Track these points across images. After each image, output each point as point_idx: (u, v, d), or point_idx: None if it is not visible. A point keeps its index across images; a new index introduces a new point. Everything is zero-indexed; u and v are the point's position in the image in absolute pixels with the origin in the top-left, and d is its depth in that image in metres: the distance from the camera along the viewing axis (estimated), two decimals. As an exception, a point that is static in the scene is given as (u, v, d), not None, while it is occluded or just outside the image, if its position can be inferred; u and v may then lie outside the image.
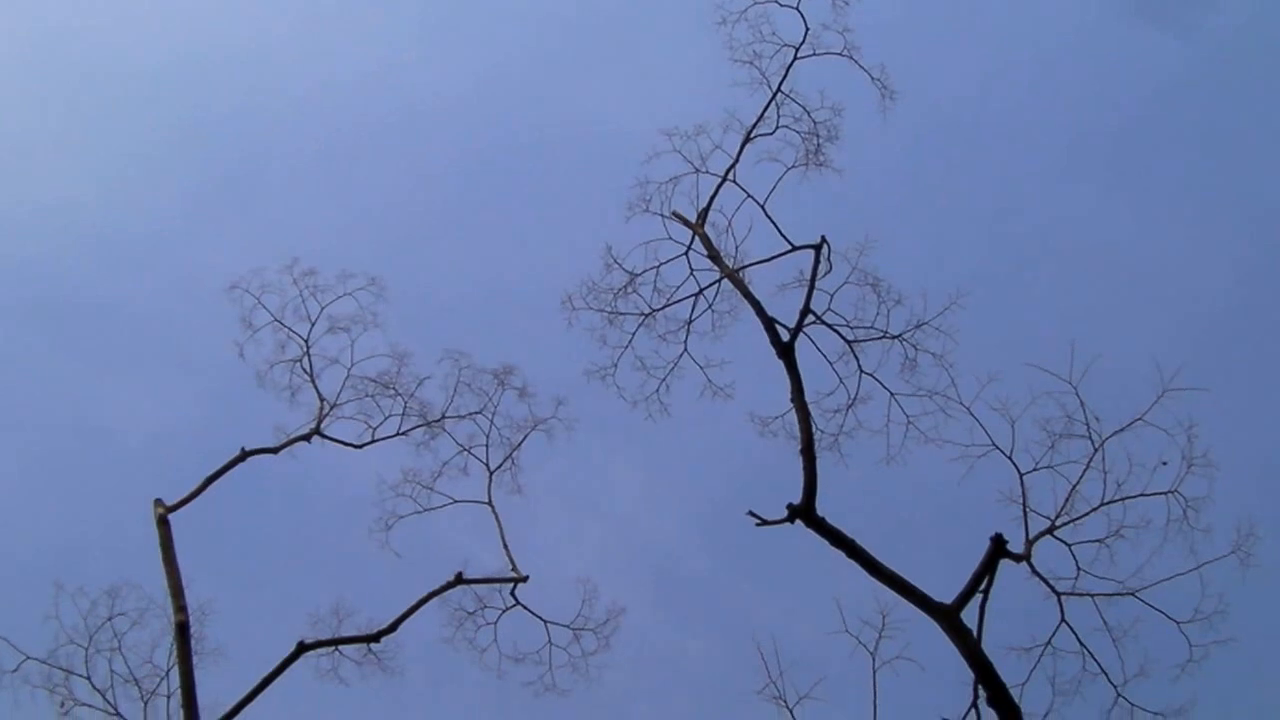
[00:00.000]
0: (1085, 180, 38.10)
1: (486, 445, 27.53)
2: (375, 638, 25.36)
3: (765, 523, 21.29)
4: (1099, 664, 22.12)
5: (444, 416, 27.62)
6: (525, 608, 26.38)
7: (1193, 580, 21.90)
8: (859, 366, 24.59)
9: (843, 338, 24.52)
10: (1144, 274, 35.93)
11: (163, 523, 24.65)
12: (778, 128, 25.35)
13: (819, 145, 25.30)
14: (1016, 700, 20.45)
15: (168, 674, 24.24)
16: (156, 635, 24.72)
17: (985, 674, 20.23)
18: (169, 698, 24.04)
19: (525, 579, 26.06)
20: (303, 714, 27.61)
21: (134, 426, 35.23)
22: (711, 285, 25.66)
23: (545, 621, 26.35)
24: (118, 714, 24.21)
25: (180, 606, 23.71)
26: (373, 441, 27.53)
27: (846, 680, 21.55)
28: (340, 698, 25.78)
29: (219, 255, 34.61)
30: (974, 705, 21.08)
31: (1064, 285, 34.92)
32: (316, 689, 25.58)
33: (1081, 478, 22.02)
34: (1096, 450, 21.97)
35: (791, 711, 21.25)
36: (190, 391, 35.12)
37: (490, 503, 27.03)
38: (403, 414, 27.59)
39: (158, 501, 24.97)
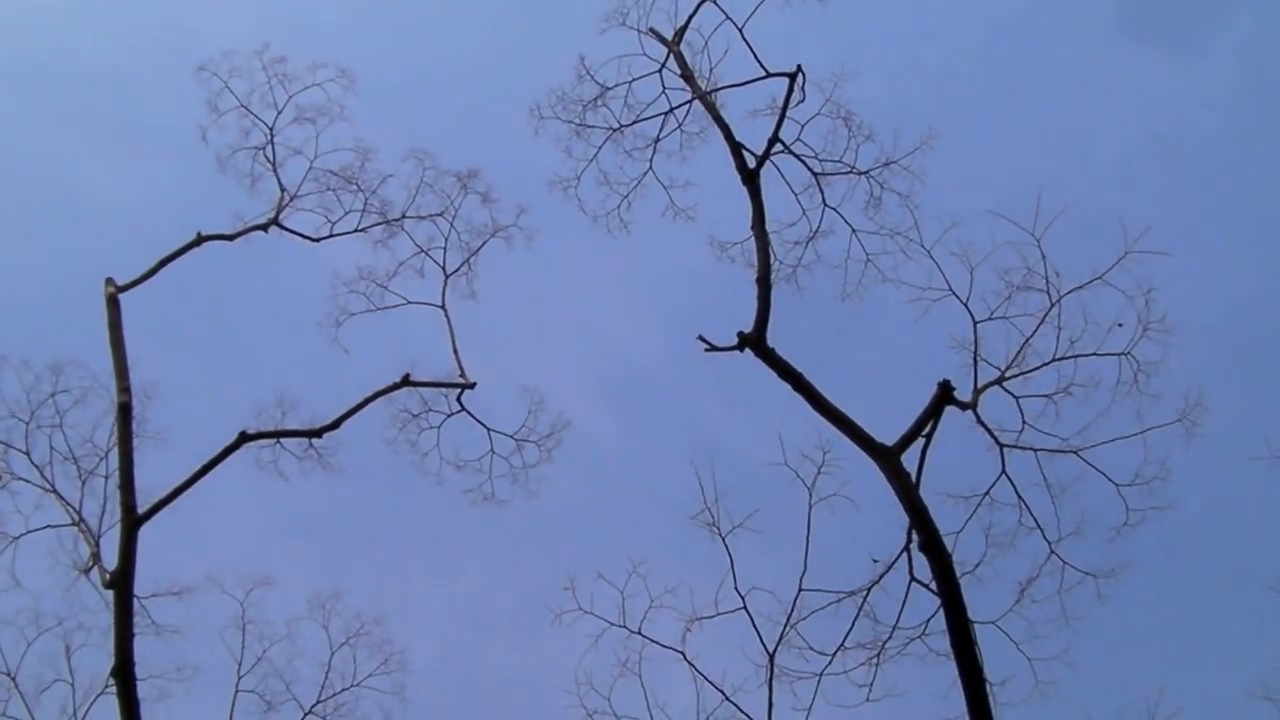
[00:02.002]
0: (1088, 27, 37.31)
1: (444, 248, 27.29)
2: (318, 433, 25.27)
3: (714, 348, 21.10)
4: (1035, 519, 22.19)
5: (404, 216, 27.27)
6: (470, 414, 26.39)
7: (1136, 444, 21.91)
8: (823, 200, 24.30)
9: (809, 169, 24.10)
10: (1129, 129, 35.42)
11: (112, 302, 24.46)
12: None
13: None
14: (949, 548, 20.40)
15: (107, 454, 24.13)
16: (98, 415, 24.63)
17: (920, 519, 20.20)
18: (107, 478, 23.95)
19: (472, 385, 26.00)
20: (241, 505, 27.73)
21: (94, 194, 34.82)
22: (682, 105, 25.14)
23: (489, 430, 26.34)
24: (54, 491, 24.15)
25: (124, 388, 23.59)
26: (330, 236, 27.19)
27: (781, 513, 21.56)
28: (278, 492, 25.82)
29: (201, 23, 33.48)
30: (906, 549, 21.16)
31: (1041, 133, 34.45)
32: (255, 480, 25.60)
33: (1035, 331, 21.85)
34: (1053, 305, 21.78)
35: (724, 539, 21.25)
36: (155, 165, 34.51)
37: (444, 306, 26.85)
38: (363, 210, 27.24)
39: (109, 281, 24.76)
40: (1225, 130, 35.67)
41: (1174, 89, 36.51)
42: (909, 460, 20.77)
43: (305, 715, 25.06)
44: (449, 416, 26.29)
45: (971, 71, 34.04)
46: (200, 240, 25.85)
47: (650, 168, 25.30)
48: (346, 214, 27.16)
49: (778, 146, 23.30)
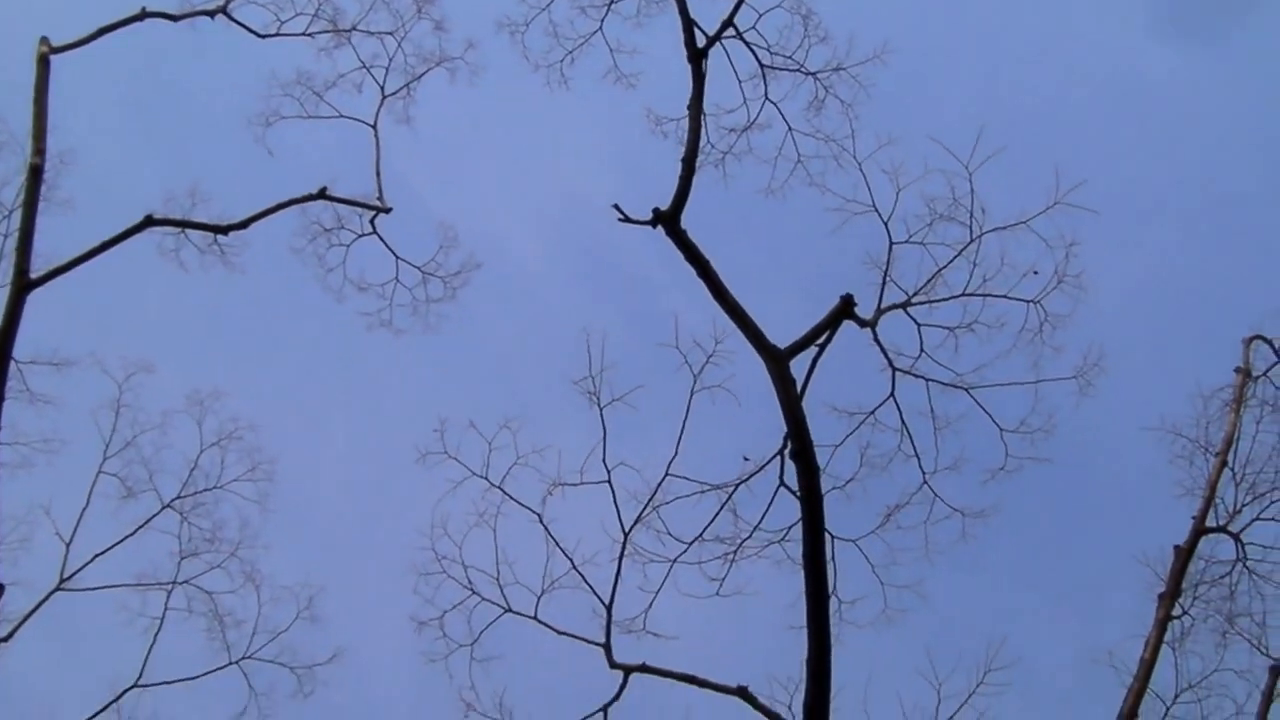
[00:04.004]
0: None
1: (387, 69, 26.81)
2: (225, 229, 24.96)
3: (627, 219, 20.75)
4: (915, 447, 22.15)
5: (353, 29, 26.67)
6: (381, 239, 26.17)
7: (1028, 393, 21.84)
8: (765, 93, 23.86)
9: (758, 60, 23.62)
10: (1092, 83, 35.11)
11: (43, 61, 23.92)
12: None
13: None
14: (820, 462, 20.29)
15: (10, 214, 23.67)
16: (8, 173, 24.09)
17: (796, 426, 20.04)
18: (5, 237, 23.59)
19: (388, 210, 25.79)
20: (136, 290, 27.41)
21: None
22: (644, -34, 24.42)
23: (396, 257, 26.09)
24: (-53, 237, 23.76)
25: (39, 150, 23.12)
26: (277, 35, 26.66)
27: (662, 395, 21.48)
28: (175, 283, 25.54)
29: None
30: (780, 454, 21.08)
31: (997, 73, 34.10)
32: (154, 267, 25.29)
33: (950, 263, 21.57)
34: (973, 241, 21.47)
35: (601, 410, 21.18)
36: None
37: (375, 126, 26.44)
38: (314, 15, 26.67)
39: (43, 39, 24.14)
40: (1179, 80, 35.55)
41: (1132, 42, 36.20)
42: (798, 367, 20.57)
43: (164, 507, 25.04)
44: (360, 237, 26.04)
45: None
46: (144, 15, 25.33)
47: (600, 28, 24.69)
48: (297, 15, 26.61)
49: (730, 31, 22.79)
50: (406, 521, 21.66)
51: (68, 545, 24.25)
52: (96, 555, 24.50)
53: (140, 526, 24.94)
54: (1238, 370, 25.41)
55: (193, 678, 24.66)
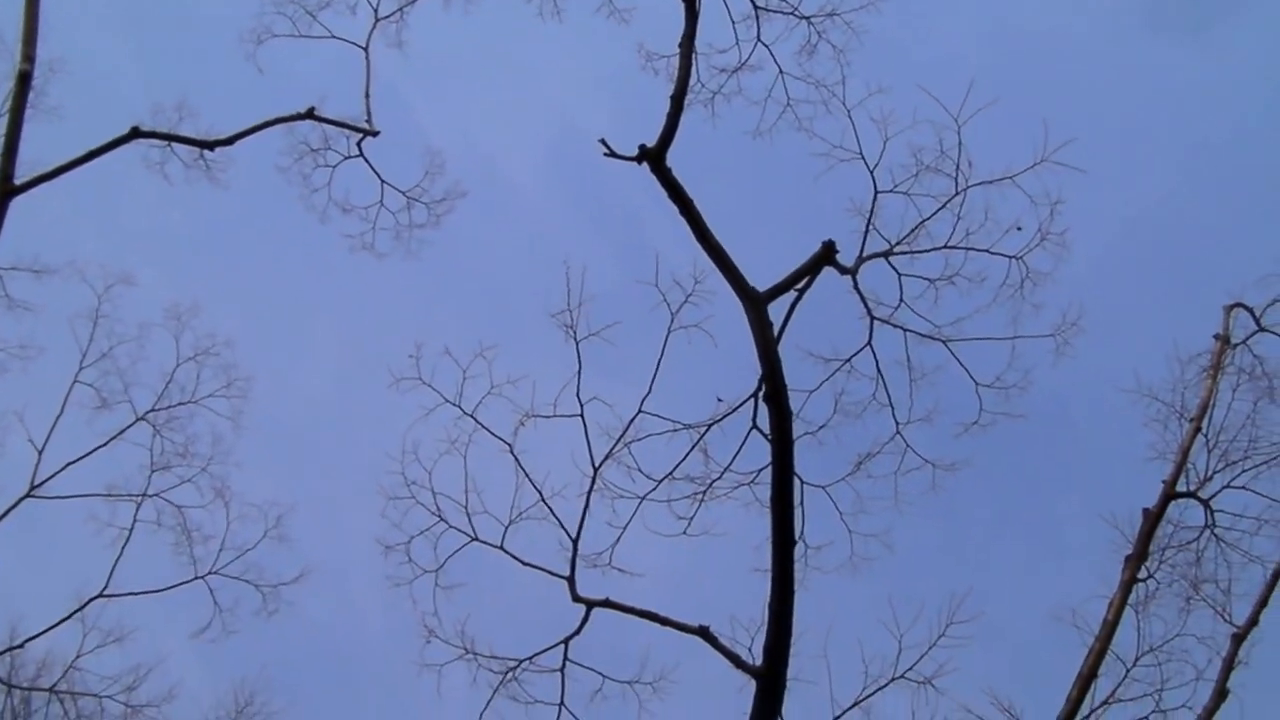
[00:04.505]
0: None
1: (381, -10, 26.47)
2: (211, 145, 24.82)
3: (613, 154, 20.60)
4: (889, 397, 22.20)
5: (348, -50, 26.45)
6: (367, 161, 26.06)
7: (1005, 349, 21.85)
8: (758, 34, 23.61)
9: (752, 1, 23.49)
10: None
11: (35, -32, 23.67)
12: None
13: None
14: (793, 407, 20.30)
15: (-4, 119, 23.55)
16: (-3, 76, 23.98)
17: (771, 370, 20.01)
18: (-9, 140, 23.44)
19: (376, 133, 25.71)
20: (120, 202, 27.31)
21: None
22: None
23: (382, 181, 25.96)
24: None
25: (28, 56, 22.97)
26: (272, -47, 26.40)
27: (640, 333, 21.41)
28: (159, 195, 25.45)
29: None
30: (753, 396, 21.08)
31: (993, 24, 33.91)
32: (139, 180, 25.21)
33: (933, 215, 21.48)
34: (958, 194, 21.37)
35: (578, 344, 21.10)
36: None
37: (366, 48, 26.21)
38: (310, -66, 26.36)
39: (36, -55, 23.92)
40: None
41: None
42: (776, 310, 20.55)
43: (137, 419, 25.05)
44: (346, 159, 25.88)
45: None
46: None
47: (599, -47, 24.45)
48: (297, -68, 26.27)
49: (724, -32, 22.68)
50: (378, 445, 21.59)
51: (40, 452, 24.34)
52: (68, 464, 24.59)
53: (113, 437, 25.00)
54: (1217, 337, 25.48)
55: (158, 590, 24.81)
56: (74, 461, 24.57)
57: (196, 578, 24.79)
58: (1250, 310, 25.61)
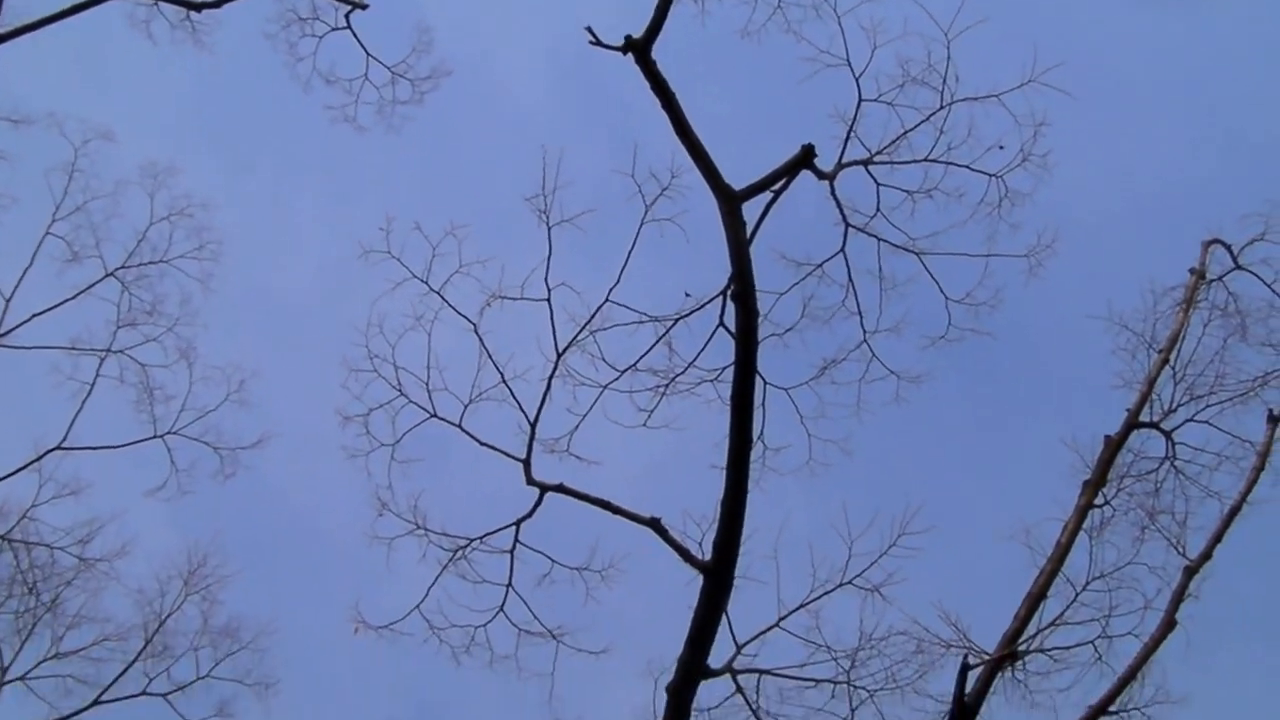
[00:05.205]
0: None
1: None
2: (198, 6, 25.05)
3: (599, 43, 20.36)
4: (858, 304, 22.18)
5: None
6: (354, 35, 25.97)
7: (978, 266, 21.84)
8: (751, -68, 23.27)
9: (745, -102, 23.06)
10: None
11: None
12: None
13: None
14: (762, 308, 20.22)
15: (-18, -32, 23.27)
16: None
17: (741, 269, 19.90)
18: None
19: (365, 6, 25.65)
20: (102, 56, 27.05)
21: None
22: None
23: (368, 54, 25.86)
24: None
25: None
26: None
27: (614, 225, 21.35)
28: (144, 55, 25.23)
29: None
30: (722, 294, 21.01)
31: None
32: (124, 37, 24.98)
33: (916, 127, 21.31)
34: (942, 108, 21.19)
35: (549, 229, 21.03)
36: None
37: (359, -82, 25.87)
38: None
39: None
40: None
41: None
42: (751, 211, 20.41)
43: (107, 275, 25.03)
44: (333, 30, 25.61)
45: None
46: None
47: None
48: None
49: None
50: (343, 317, 21.59)
51: (7, 301, 24.37)
52: (35, 315, 24.60)
53: (81, 291, 25.07)
54: (1192, 271, 25.41)
55: (116, 446, 24.92)
56: (41, 313, 24.63)
57: (156, 436, 24.94)
58: (1228, 247, 25.54)
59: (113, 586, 27.30)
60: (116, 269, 24.78)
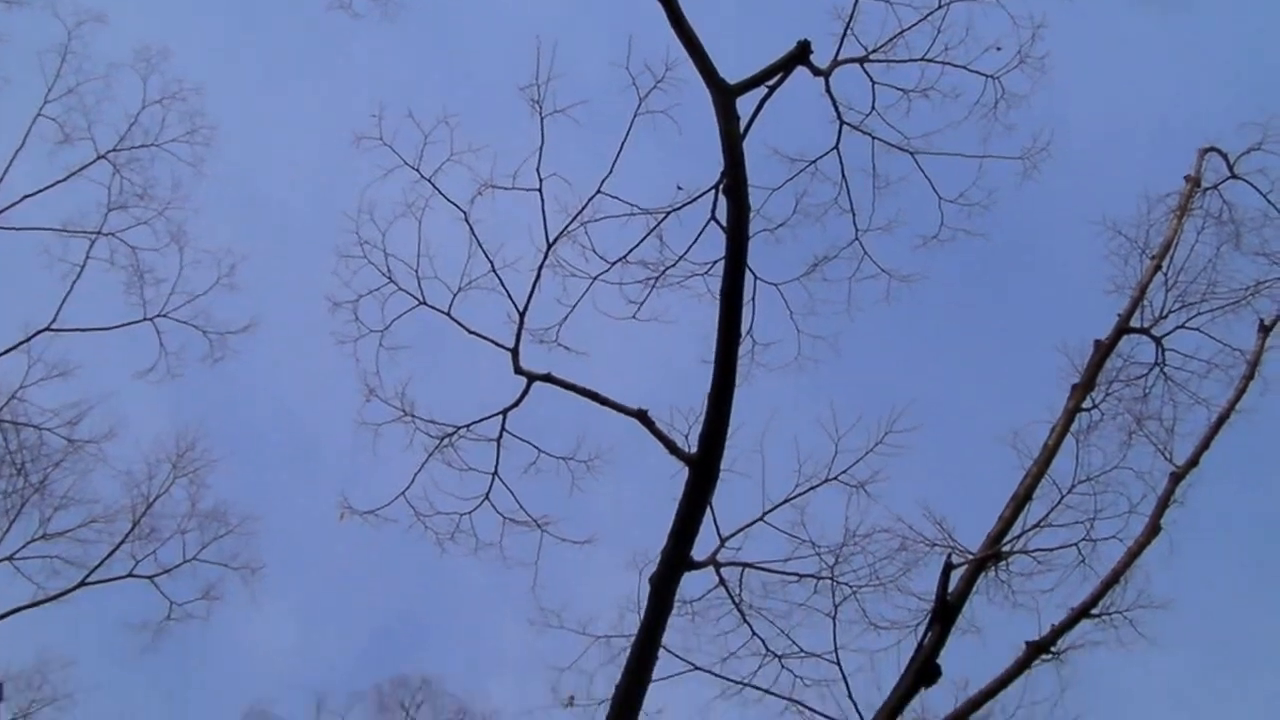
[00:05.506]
0: None
1: None
2: (193, -113, 24.43)
3: (596, -68, 20.22)
4: (851, 202, 22.06)
5: None
6: (349, -81, 25.31)
7: (972, 167, 21.71)
8: None
9: None
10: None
11: None
12: None
13: None
14: (754, 203, 20.10)
15: None
16: None
17: (734, 163, 19.76)
18: None
19: (360, -110, 24.94)
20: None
21: None
22: None
23: (363, -61, 25.35)
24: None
25: None
26: None
27: (606, 114, 21.19)
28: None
29: None
30: (714, 188, 20.89)
31: None
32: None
33: (914, 26, 20.94)
34: (940, 7, 20.83)
35: (542, 120, 20.82)
36: None
37: None
38: None
39: None
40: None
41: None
42: (746, 105, 20.26)
43: (98, 158, 24.92)
44: (328, -86, 25.20)
45: None
46: None
47: None
48: None
49: None
50: (334, 203, 21.45)
51: (-2, 182, 24.15)
52: (26, 196, 24.51)
53: (73, 173, 24.96)
54: (1187, 178, 25.32)
55: (106, 328, 24.89)
56: (32, 194, 24.51)
57: (145, 319, 24.95)
58: (1224, 155, 25.42)
59: (101, 468, 27.48)
60: (108, 152, 24.67)
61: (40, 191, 24.37)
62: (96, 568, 27.71)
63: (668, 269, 21.70)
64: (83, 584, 27.52)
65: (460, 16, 32.65)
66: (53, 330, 24.51)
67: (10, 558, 26.85)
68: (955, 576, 21.17)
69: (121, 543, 27.81)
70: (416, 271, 20.96)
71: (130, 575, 28.00)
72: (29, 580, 27.13)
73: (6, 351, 24.21)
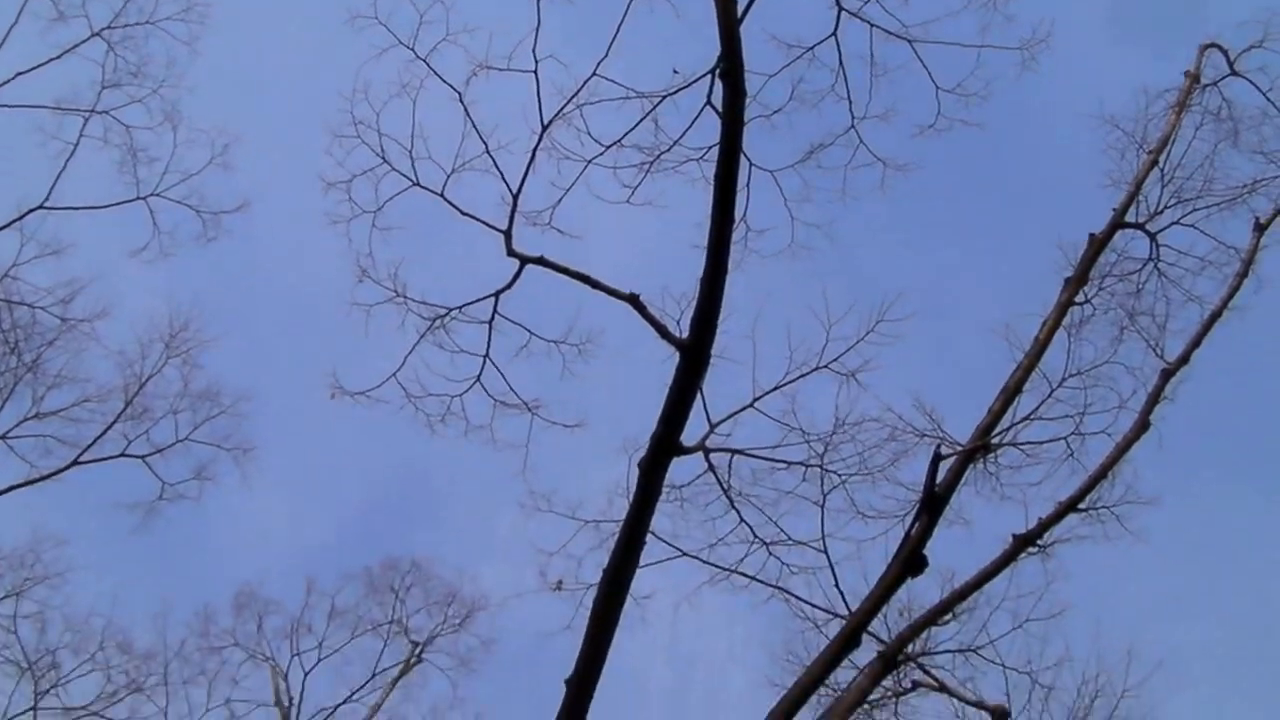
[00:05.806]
0: None
1: None
2: None
3: None
4: (848, 89, 21.94)
5: None
6: None
7: (970, 57, 21.56)
8: None
9: None
10: None
11: None
12: None
13: None
14: (751, 90, 19.90)
15: None
16: None
17: (730, 46, 19.40)
18: None
19: None
20: None
21: None
22: None
23: None
24: None
25: None
26: None
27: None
28: None
29: None
30: (711, 73, 20.71)
31: None
32: None
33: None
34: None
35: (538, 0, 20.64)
36: None
37: None
38: None
39: None
40: None
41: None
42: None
43: (93, 35, 24.89)
44: None
45: None
46: None
47: None
48: None
49: None
50: (327, 83, 21.27)
51: (-9, 59, 23.99)
52: (19, 73, 24.33)
53: (67, 50, 24.77)
54: (1187, 74, 25.19)
55: (99, 206, 24.85)
56: (24, 72, 24.33)
57: (139, 198, 24.92)
58: (1225, 52, 25.29)
59: (94, 347, 27.61)
60: (102, 29, 24.41)
61: (34, 69, 24.20)
62: (89, 447, 27.93)
63: (662, 154, 21.58)
64: (75, 463, 27.71)
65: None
66: (46, 209, 24.46)
67: (3, 436, 27.03)
68: (944, 468, 21.29)
69: (114, 422, 28.03)
70: (410, 152, 20.79)
71: (123, 455, 28.23)
72: (22, 459, 27.37)
73: None
